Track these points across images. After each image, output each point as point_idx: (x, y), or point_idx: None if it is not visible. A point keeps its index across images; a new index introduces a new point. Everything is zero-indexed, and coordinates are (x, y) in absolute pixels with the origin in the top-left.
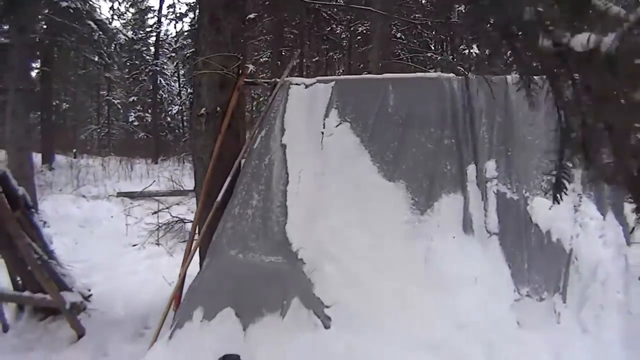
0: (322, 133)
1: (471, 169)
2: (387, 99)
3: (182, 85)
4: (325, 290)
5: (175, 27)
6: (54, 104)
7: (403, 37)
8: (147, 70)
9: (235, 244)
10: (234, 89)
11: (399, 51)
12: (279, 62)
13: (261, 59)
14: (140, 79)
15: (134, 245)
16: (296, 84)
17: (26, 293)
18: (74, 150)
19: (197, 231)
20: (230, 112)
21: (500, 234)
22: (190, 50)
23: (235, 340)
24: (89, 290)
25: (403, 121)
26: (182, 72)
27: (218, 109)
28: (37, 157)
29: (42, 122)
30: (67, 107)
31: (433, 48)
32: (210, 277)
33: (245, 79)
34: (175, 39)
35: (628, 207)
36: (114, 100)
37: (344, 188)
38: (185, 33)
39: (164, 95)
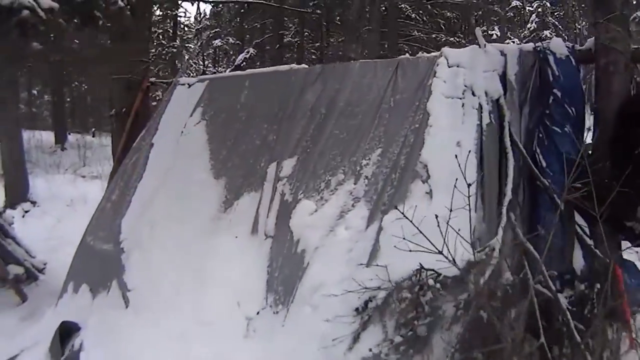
0: (182, 132)
1: (272, 167)
2: (240, 96)
3: (205, 65)
4: (130, 276)
5: (198, 7)
6: (74, 83)
7: (418, 17)
8: (164, 51)
9: (92, 233)
10: (138, 91)
11: (414, 32)
12: (279, 46)
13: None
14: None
15: None
16: (181, 84)
17: None
18: (92, 130)
19: None
20: (134, 112)
21: (275, 237)
22: (214, 30)
23: (86, 310)
24: (44, 264)
25: (245, 118)
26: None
27: (123, 109)
28: (50, 136)
29: (54, 101)
30: (84, 87)
31: (444, 28)
32: (77, 258)
33: (150, 81)
34: (198, 19)
35: None
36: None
37: (176, 185)
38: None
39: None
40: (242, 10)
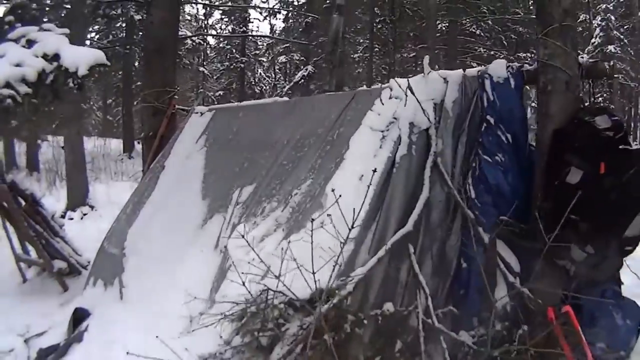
0: (187, 157)
1: (236, 193)
2: (233, 126)
3: (276, 79)
4: (126, 276)
5: (269, 23)
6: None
7: (482, 33)
8: (232, 65)
9: (108, 238)
10: (164, 117)
11: (478, 48)
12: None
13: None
14: (230, 73)
15: None
16: (196, 113)
17: (31, 257)
18: None
19: None
20: (160, 136)
21: (223, 253)
22: (284, 46)
23: (97, 300)
24: (88, 262)
25: (234, 146)
26: (276, 67)
27: (150, 133)
28: (119, 144)
29: (124, 111)
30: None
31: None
32: (97, 258)
33: (175, 108)
34: (271, 34)
35: None
36: (207, 93)
37: (174, 203)
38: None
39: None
40: (305, 27)
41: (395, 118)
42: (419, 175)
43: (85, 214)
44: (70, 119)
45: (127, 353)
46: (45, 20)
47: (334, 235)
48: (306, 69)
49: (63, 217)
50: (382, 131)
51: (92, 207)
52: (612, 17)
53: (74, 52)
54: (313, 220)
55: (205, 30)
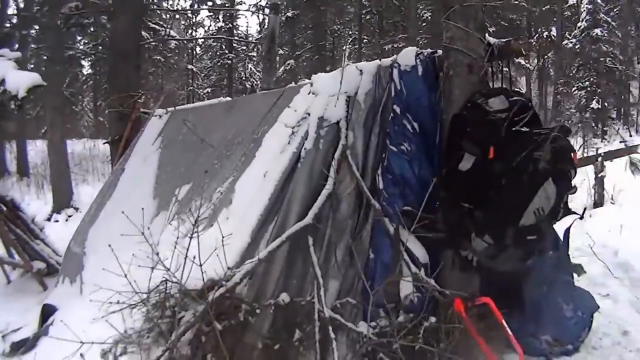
0: (144, 158)
1: (177, 191)
2: (183, 127)
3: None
4: (86, 273)
5: (258, 18)
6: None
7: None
8: (219, 62)
9: (74, 238)
10: (129, 121)
11: None
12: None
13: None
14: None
15: None
16: (155, 116)
17: (15, 259)
18: None
19: None
20: (125, 139)
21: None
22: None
23: (64, 296)
24: None
25: (182, 147)
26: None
27: (116, 136)
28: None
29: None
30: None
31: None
32: (65, 257)
33: (139, 112)
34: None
35: None
36: (198, 91)
37: (129, 202)
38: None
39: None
40: (286, 20)
41: (307, 113)
42: (326, 169)
43: (70, 216)
44: (53, 125)
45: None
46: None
47: (235, 230)
48: (288, 64)
49: (49, 219)
50: (293, 127)
51: (76, 209)
52: (599, 0)
53: (16, 77)
54: (198, 217)
55: (194, 28)
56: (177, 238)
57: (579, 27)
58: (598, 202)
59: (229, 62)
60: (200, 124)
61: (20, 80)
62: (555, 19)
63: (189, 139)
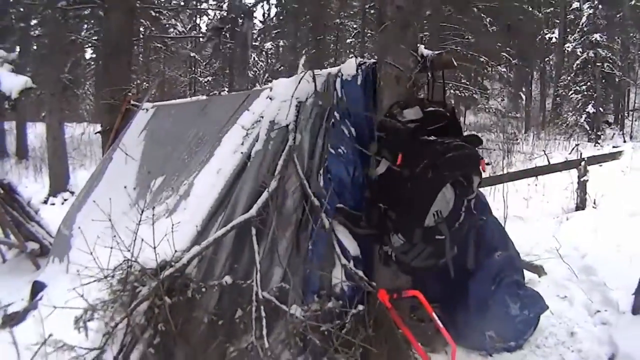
0: (129, 150)
1: (153, 182)
2: (166, 122)
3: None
4: (72, 253)
5: (262, 7)
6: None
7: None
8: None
9: (64, 221)
10: (118, 113)
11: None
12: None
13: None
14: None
15: None
16: (143, 109)
17: (10, 240)
18: None
19: None
20: (115, 130)
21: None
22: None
23: (53, 274)
24: None
25: (163, 141)
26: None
27: (107, 127)
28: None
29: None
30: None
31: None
32: (55, 238)
33: (130, 104)
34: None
35: None
36: (199, 78)
37: (113, 191)
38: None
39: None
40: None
41: (261, 117)
42: (273, 168)
43: (66, 200)
44: (51, 110)
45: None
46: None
47: (189, 219)
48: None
49: (45, 202)
50: (248, 129)
51: (72, 193)
52: (600, 5)
53: (10, 80)
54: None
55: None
56: (138, 224)
57: (578, 31)
58: (580, 206)
59: (230, 51)
60: (179, 120)
61: (14, 83)
62: (558, 21)
63: (169, 133)
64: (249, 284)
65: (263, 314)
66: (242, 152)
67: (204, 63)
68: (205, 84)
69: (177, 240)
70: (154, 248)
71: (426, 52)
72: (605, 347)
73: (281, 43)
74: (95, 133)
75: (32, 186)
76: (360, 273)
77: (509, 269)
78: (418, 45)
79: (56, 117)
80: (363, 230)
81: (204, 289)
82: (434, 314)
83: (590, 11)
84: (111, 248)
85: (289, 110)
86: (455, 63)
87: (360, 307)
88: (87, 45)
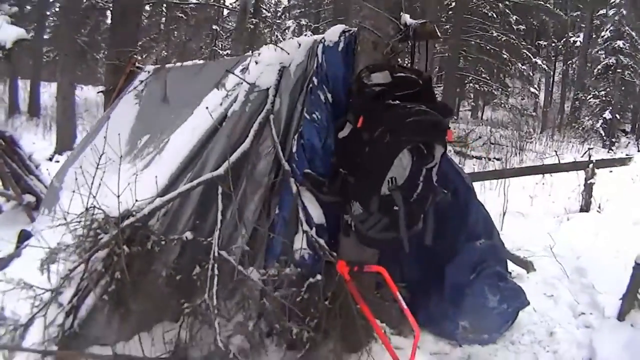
0: (127, 109)
1: (139, 140)
2: (162, 85)
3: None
4: (60, 205)
5: None
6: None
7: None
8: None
9: (56, 175)
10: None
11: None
12: None
13: None
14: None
15: None
16: (145, 71)
17: (9, 192)
18: None
19: None
20: (118, 90)
21: None
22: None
23: (43, 224)
24: None
25: (156, 103)
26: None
27: (110, 87)
28: None
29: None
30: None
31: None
32: (48, 191)
33: (135, 66)
34: None
35: None
36: (220, 52)
37: (106, 147)
38: None
39: None
40: None
41: (244, 80)
42: (248, 130)
43: None
44: (64, 70)
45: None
46: None
47: (159, 173)
48: (306, 35)
49: (50, 159)
50: (229, 91)
51: None
52: (624, 12)
53: (4, 30)
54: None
55: None
56: (103, 172)
57: (602, 37)
58: (584, 208)
59: (251, 26)
60: (175, 82)
61: (8, 33)
62: (584, 26)
63: (163, 94)
64: (209, 242)
65: (216, 272)
66: (220, 112)
67: (224, 37)
68: (225, 56)
69: (144, 193)
70: (118, 197)
71: (410, 20)
72: (583, 351)
73: (303, 22)
74: (98, 93)
75: (40, 143)
76: (322, 242)
77: (492, 259)
78: (402, 13)
79: (67, 77)
80: (327, 197)
81: (163, 242)
82: (398, 294)
83: (616, 18)
84: (80, 194)
85: (271, 74)
86: (438, 34)
87: (319, 277)
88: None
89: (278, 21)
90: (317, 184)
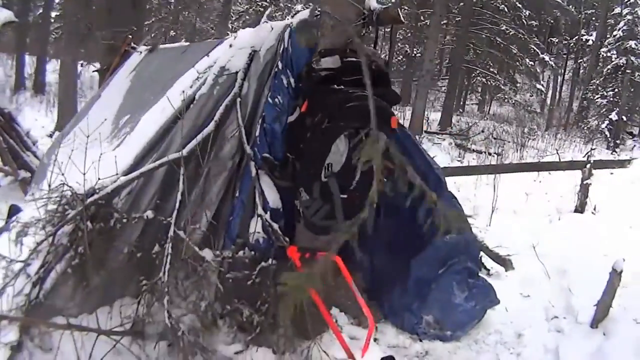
0: (117, 89)
1: (121, 120)
2: (151, 65)
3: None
4: (47, 179)
5: None
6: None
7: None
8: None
9: (47, 152)
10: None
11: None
12: None
13: None
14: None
15: None
16: (137, 51)
17: (6, 167)
18: None
19: None
20: (111, 70)
21: None
22: None
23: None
24: None
25: (144, 83)
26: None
27: (105, 67)
28: None
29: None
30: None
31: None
32: (39, 166)
33: (129, 46)
34: None
35: None
36: (229, 33)
37: (94, 126)
38: None
39: None
40: None
41: (215, 62)
42: (214, 112)
43: None
44: (67, 47)
45: None
46: None
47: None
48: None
49: (50, 136)
50: (200, 74)
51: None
52: (639, 12)
53: None
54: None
55: None
56: (71, 152)
57: (614, 36)
58: (579, 209)
59: (262, 9)
60: (161, 63)
61: None
62: (597, 24)
63: (149, 75)
64: (168, 222)
65: (170, 250)
66: (189, 95)
67: (234, 18)
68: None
69: (109, 172)
70: (84, 174)
71: (375, 5)
72: (549, 356)
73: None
74: (93, 72)
75: (42, 120)
76: (275, 226)
77: (462, 254)
78: None
79: (71, 55)
80: (280, 182)
81: (125, 220)
82: (353, 284)
83: (630, 17)
84: (51, 172)
85: (241, 57)
86: (402, 19)
87: (271, 262)
88: None
89: (289, 4)
90: (273, 168)
